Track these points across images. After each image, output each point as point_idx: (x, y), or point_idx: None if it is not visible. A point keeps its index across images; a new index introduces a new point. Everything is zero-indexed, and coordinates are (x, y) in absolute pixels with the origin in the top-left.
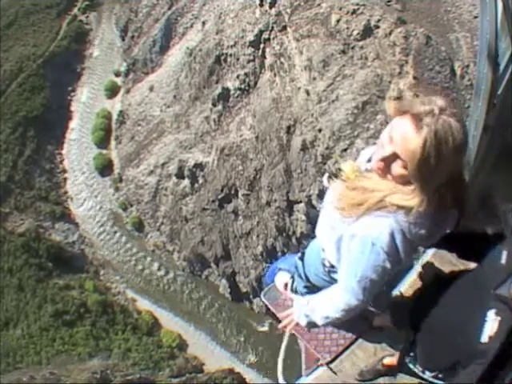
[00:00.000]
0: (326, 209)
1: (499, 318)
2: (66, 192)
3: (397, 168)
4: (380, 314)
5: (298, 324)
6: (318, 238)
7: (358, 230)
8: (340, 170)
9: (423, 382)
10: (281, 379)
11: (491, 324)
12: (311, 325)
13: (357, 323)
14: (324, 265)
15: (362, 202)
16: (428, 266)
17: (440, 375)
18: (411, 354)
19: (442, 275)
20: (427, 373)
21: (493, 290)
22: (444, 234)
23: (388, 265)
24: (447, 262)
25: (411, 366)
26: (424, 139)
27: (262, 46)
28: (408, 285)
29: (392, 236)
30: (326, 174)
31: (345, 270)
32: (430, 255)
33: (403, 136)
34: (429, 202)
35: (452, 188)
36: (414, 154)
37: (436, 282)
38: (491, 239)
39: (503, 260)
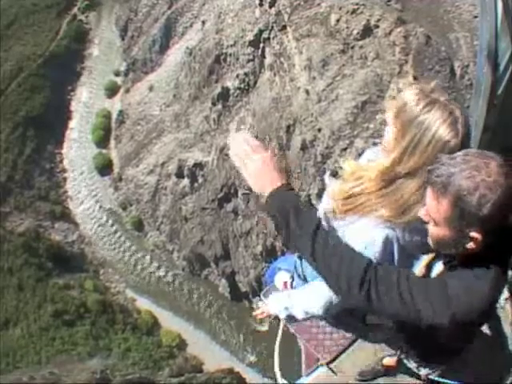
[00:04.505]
0: (323, 207)
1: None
2: (65, 191)
3: (388, 129)
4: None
5: (294, 322)
6: None
7: (351, 231)
8: (341, 168)
9: (422, 381)
10: (279, 378)
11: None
12: (290, 319)
13: (349, 320)
14: None
15: (348, 204)
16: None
17: (435, 372)
18: (406, 350)
19: None
20: (422, 370)
21: None
22: None
23: None
24: None
25: (405, 361)
26: (414, 96)
27: (261, 45)
28: None
29: (385, 243)
30: (328, 172)
31: None
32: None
33: (398, 96)
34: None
35: None
36: (401, 104)
37: None
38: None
39: None
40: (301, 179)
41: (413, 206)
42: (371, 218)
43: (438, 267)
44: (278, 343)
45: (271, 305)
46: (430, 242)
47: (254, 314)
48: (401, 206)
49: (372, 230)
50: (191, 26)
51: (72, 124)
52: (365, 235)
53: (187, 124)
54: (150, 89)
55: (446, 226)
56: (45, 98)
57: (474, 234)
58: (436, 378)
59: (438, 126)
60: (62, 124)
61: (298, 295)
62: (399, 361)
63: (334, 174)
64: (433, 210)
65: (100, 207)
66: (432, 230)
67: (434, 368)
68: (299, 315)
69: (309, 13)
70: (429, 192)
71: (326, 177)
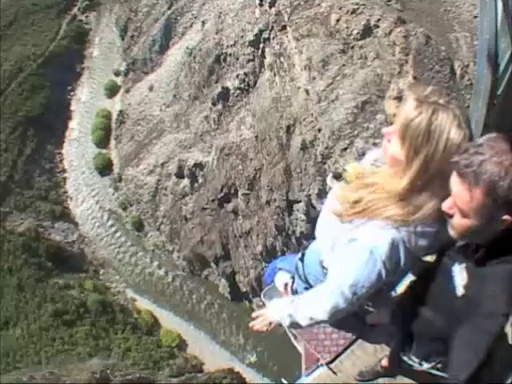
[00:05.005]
0: (327, 209)
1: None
2: (65, 191)
3: (393, 147)
4: (374, 312)
5: (297, 328)
6: (317, 239)
7: (358, 236)
8: (344, 171)
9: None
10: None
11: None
12: (294, 325)
13: (349, 321)
14: (323, 267)
15: (355, 208)
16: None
17: (438, 365)
18: (405, 347)
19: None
20: (424, 364)
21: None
22: (443, 243)
23: (383, 273)
24: None
25: (406, 359)
26: (415, 109)
27: (261, 45)
28: (407, 285)
29: (392, 246)
30: (331, 174)
31: (337, 273)
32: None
33: (402, 108)
34: (427, 211)
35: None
36: (405, 121)
37: (425, 275)
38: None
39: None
40: (301, 179)
41: (421, 206)
42: (379, 220)
43: (458, 270)
44: (295, 341)
45: (273, 312)
46: (452, 234)
47: (250, 325)
48: (409, 207)
49: (379, 232)
50: (191, 26)
51: (72, 124)
52: (371, 238)
53: (187, 124)
54: (150, 89)
55: (477, 215)
56: (45, 98)
57: (506, 217)
58: (438, 373)
59: (448, 130)
60: (62, 124)
61: (302, 301)
62: (394, 359)
63: (337, 177)
64: (463, 200)
65: (100, 207)
66: (459, 221)
67: (435, 362)
68: (303, 322)
69: (309, 13)
70: (458, 183)
71: (329, 179)
